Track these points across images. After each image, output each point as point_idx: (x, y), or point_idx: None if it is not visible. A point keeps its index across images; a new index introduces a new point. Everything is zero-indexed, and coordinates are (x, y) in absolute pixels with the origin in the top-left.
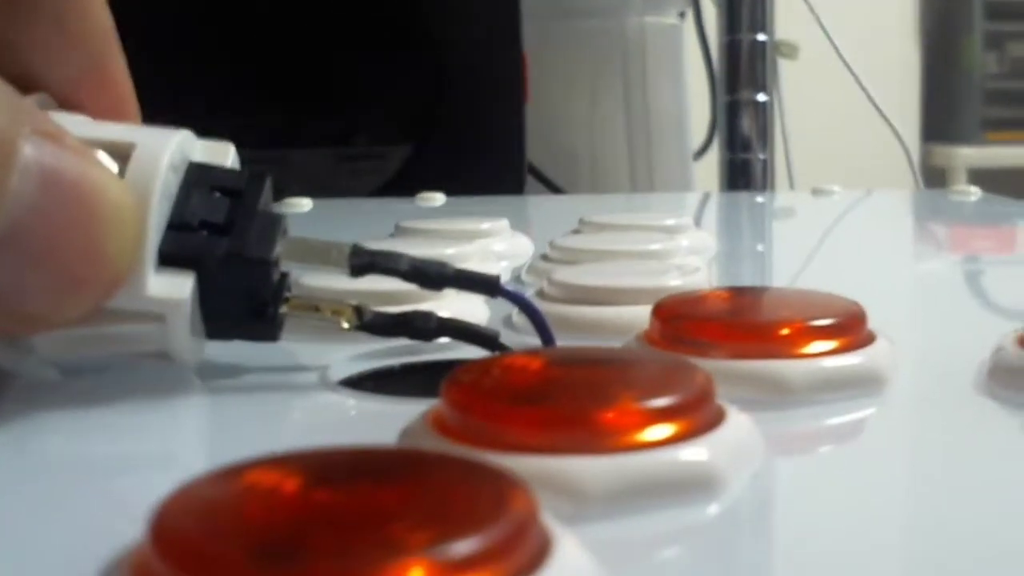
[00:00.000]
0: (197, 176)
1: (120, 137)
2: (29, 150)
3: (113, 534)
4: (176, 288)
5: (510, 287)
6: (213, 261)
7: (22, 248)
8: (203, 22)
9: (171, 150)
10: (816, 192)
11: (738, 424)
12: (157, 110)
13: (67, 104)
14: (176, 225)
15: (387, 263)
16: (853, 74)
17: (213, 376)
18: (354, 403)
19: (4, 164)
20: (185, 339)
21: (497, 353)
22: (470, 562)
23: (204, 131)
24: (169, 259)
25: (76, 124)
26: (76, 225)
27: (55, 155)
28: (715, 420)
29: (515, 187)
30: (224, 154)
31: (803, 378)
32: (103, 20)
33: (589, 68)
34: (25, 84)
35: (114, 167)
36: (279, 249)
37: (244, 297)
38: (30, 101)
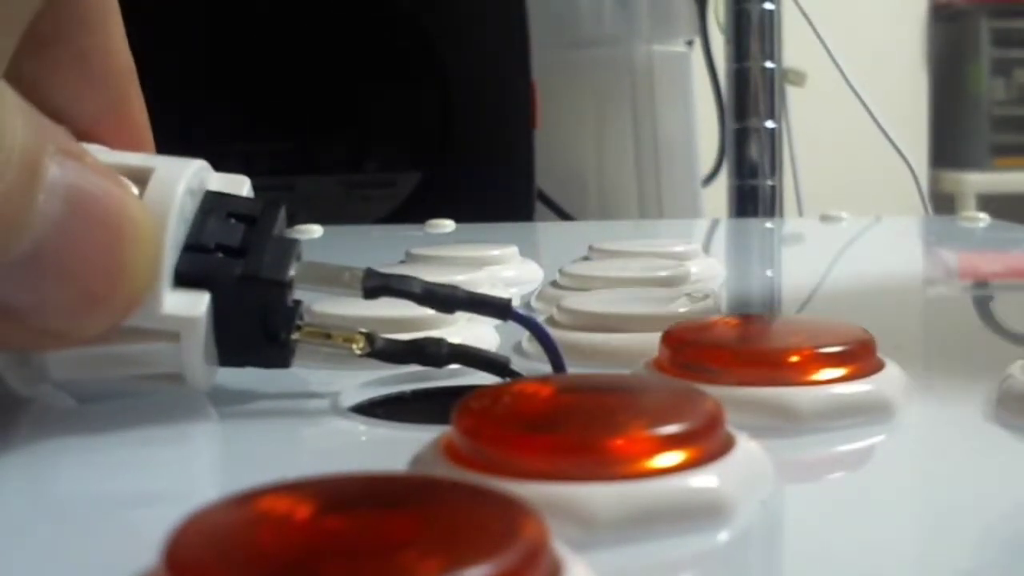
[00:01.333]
0: (213, 203)
1: (139, 163)
2: (55, 169)
3: (127, 561)
4: (191, 306)
5: (521, 311)
6: (228, 281)
7: (46, 266)
8: (214, 51)
9: (188, 175)
10: (825, 218)
11: (747, 451)
12: (169, 138)
13: (86, 140)
14: (192, 247)
15: (400, 286)
16: (861, 101)
17: (225, 402)
18: (365, 430)
19: (31, 183)
20: (199, 359)
21: (508, 380)
22: None
23: (216, 158)
24: (185, 279)
25: (96, 152)
26: (99, 243)
27: (79, 174)
28: (724, 447)
29: (524, 214)
30: (240, 186)
31: (812, 405)
32: (125, 60)
33: (598, 96)
34: None
35: (134, 190)
36: (293, 272)
37: (258, 320)
38: (52, 122)
